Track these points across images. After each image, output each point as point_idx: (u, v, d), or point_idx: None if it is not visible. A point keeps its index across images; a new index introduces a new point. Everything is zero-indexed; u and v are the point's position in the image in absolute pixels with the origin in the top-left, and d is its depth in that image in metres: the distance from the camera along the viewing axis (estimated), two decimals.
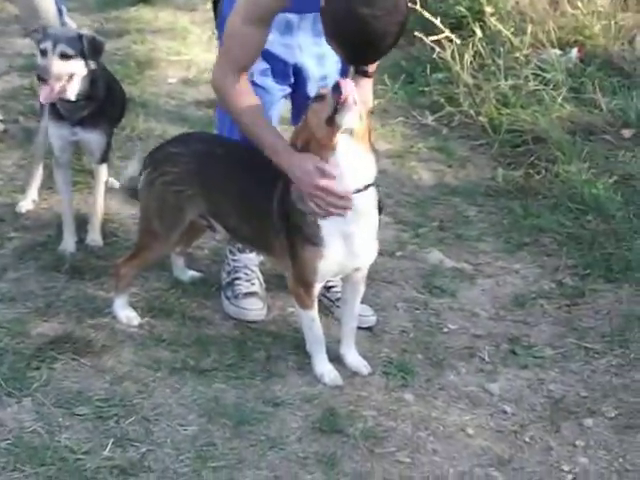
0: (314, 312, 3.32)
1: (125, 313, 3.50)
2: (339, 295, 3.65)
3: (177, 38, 6.60)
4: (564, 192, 4.75)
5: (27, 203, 4.22)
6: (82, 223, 4.06)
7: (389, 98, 5.84)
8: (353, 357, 3.43)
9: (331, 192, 3.06)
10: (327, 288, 3.73)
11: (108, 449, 2.89)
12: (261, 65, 3.40)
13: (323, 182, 3.06)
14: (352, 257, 3.23)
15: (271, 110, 3.47)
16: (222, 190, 3.38)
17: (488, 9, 6.20)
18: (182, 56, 6.30)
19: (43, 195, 4.34)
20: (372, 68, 3.47)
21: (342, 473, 2.91)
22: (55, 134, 3.81)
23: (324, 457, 2.97)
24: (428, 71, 5.95)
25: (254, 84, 3.35)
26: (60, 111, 3.76)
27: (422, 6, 5.78)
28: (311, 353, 3.37)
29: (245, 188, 3.33)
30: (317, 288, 3.28)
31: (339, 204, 3.08)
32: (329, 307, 3.74)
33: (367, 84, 3.47)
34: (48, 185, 4.40)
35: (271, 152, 3.17)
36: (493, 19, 6.18)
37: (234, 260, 3.75)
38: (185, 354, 3.37)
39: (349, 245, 3.19)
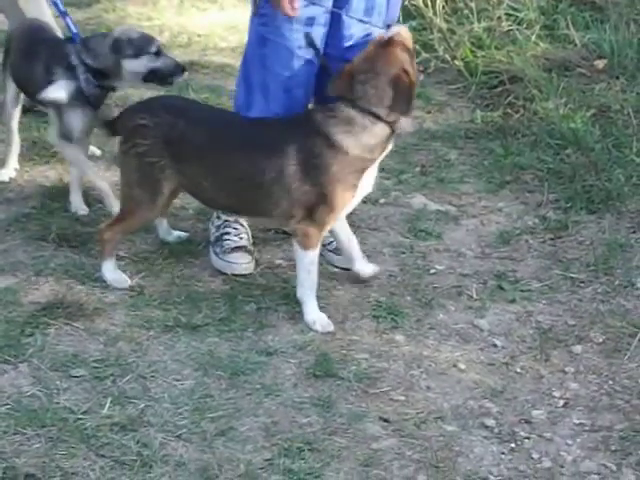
0: (317, 252, 3.38)
1: (114, 277, 3.53)
2: (330, 240, 3.75)
3: (147, 4, 6.57)
4: (543, 129, 4.79)
5: (9, 171, 4.23)
6: (65, 192, 4.08)
7: None
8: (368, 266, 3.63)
9: None
10: None
11: (107, 407, 2.92)
12: None
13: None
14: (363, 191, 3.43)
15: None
16: (200, 163, 3.39)
17: None
18: (154, 21, 6.28)
19: (25, 167, 4.34)
20: None
21: (338, 414, 2.96)
22: (82, 119, 3.85)
23: (319, 400, 3.02)
24: (401, 19, 5.92)
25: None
26: (90, 99, 3.82)
27: None
28: (303, 300, 3.41)
29: (240, 157, 3.35)
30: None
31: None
32: (321, 252, 3.78)
33: None
34: (29, 157, 4.41)
35: None
36: None
37: (225, 214, 3.79)
38: (177, 312, 3.40)
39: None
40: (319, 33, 3.48)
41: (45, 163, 4.40)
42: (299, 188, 3.29)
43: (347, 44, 3.53)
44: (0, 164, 4.27)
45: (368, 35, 3.53)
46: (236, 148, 3.38)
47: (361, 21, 3.49)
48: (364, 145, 3.29)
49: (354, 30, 3.52)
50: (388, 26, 3.59)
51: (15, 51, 4.08)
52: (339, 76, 3.34)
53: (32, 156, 4.44)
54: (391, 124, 3.31)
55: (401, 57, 3.31)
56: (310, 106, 3.67)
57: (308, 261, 3.37)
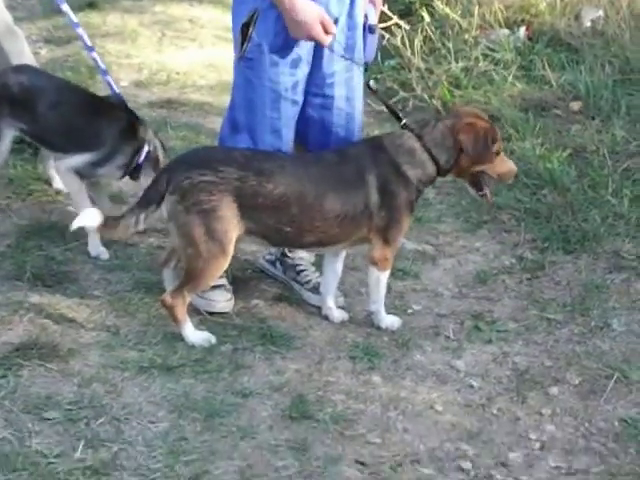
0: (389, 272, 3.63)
1: (198, 338, 3.43)
2: (308, 278, 3.78)
3: (126, 41, 6.58)
4: (520, 168, 4.77)
5: None
6: (45, 229, 4.05)
7: None
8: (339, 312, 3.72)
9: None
10: (297, 272, 3.81)
11: (80, 451, 2.89)
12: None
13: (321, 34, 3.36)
14: None
15: None
16: (283, 212, 3.38)
17: None
18: (133, 59, 6.28)
19: (3, 210, 4.31)
20: None
21: (314, 457, 2.94)
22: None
23: (295, 443, 2.99)
24: (380, 58, 5.98)
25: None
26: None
27: None
28: (379, 311, 3.62)
29: (330, 197, 3.41)
30: None
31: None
32: (299, 290, 3.80)
33: None
34: (5, 195, 4.38)
35: None
36: (440, 3, 6.24)
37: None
38: (152, 352, 3.38)
39: None
40: (304, 73, 3.51)
41: (21, 201, 4.38)
42: (378, 214, 3.44)
43: (329, 81, 3.57)
44: None
45: (350, 72, 3.56)
46: (323, 189, 3.42)
47: (343, 57, 3.52)
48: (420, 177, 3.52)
49: (336, 67, 3.56)
50: (366, 64, 3.64)
51: (50, 103, 4.05)
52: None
53: (8, 194, 4.41)
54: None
55: (480, 131, 3.51)
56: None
57: (383, 280, 3.60)
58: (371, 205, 3.46)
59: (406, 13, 6.42)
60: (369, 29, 3.63)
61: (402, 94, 5.71)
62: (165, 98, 5.66)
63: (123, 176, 4.08)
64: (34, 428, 2.97)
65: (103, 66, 4.13)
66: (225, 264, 3.41)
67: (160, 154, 4.06)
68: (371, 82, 3.68)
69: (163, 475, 2.83)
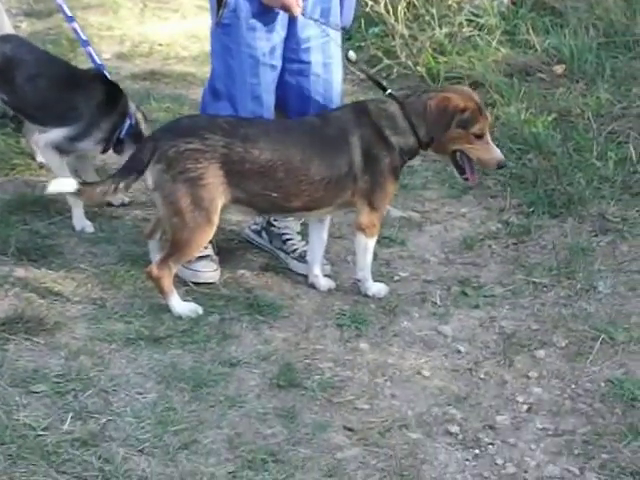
0: (375, 239, 3.62)
1: (184, 308, 3.42)
2: (294, 247, 3.78)
3: (108, 13, 6.52)
4: (505, 134, 4.80)
5: None
6: (29, 204, 4.04)
7: None
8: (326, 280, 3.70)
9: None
10: (284, 242, 3.81)
11: (68, 423, 2.89)
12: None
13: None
14: None
15: None
16: (270, 177, 3.37)
17: None
18: (115, 31, 6.24)
19: None
20: None
21: (302, 424, 2.95)
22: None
23: (283, 411, 3.00)
24: (363, 26, 5.94)
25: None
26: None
27: None
28: (365, 279, 3.61)
29: (316, 161, 3.41)
30: None
31: None
32: (285, 259, 3.80)
33: None
34: None
35: None
36: None
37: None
38: (139, 324, 3.37)
39: None
40: (280, 37, 3.49)
41: (4, 175, 4.35)
42: (362, 177, 3.44)
43: (304, 46, 3.55)
44: None
45: (326, 36, 3.54)
46: (308, 153, 3.41)
47: (317, 21, 3.50)
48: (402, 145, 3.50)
49: (311, 32, 3.54)
50: (343, 29, 3.62)
51: (28, 75, 4.01)
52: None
53: None
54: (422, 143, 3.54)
55: (449, 104, 3.45)
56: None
57: (371, 246, 3.59)
58: (355, 167, 3.45)
59: None
60: None
61: (386, 61, 5.68)
62: (148, 70, 5.63)
63: (105, 150, 4.05)
64: (22, 401, 2.97)
65: (84, 37, 4.09)
66: (211, 233, 3.40)
67: (143, 127, 4.03)
68: (350, 53, 3.66)
69: (152, 445, 2.83)
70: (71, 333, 3.32)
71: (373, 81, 3.69)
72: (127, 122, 3.98)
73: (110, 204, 4.11)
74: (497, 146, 4.62)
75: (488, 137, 3.56)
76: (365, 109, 3.52)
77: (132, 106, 4.05)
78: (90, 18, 6.35)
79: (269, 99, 3.57)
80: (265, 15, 3.42)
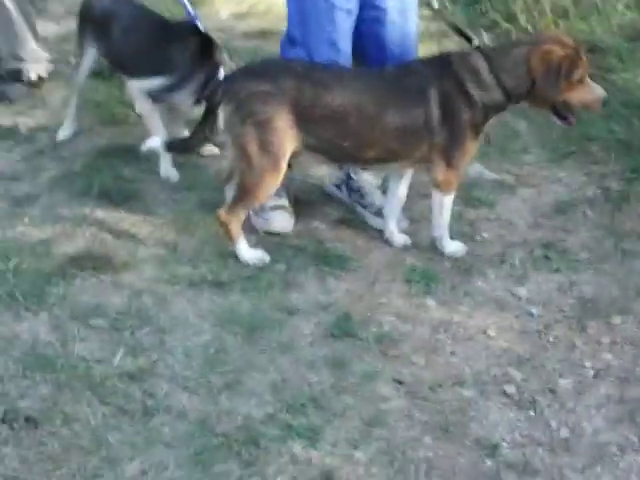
0: (453, 196, 3.48)
1: (251, 255, 3.40)
2: (372, 201, 3.72)
3: None
4: (618, 99, 4.53)
5: (65, 131, 4.29)
6: (121, 151, 4.10)
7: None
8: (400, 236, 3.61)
9: None
10: (362, 195, 3.75)
11: (119, 358, 2.91)
12: None
13: None
14: None
15: None
16: (342, 124, 3.29)
17: None
18: None
19: (84, 129, 4.38)
20: None
21: (350, 373, 2.88)
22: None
23: (334, 359, 2.93)
24: None
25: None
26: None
27: None
28: (443, 236, 3.50)
29: (390, 110, 3.30)
30: None
31: None
32: (362, 213, 3.73)
33: None
34: (89, 119, 4.44)
35: None
36: None
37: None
38: (205, 269, 3.36)
39: None
40: None
41: (104, 125, 4.43)
42: (439, 131, 3.31)
43: None
44: (60, 124, 4.33)
45: None
46: (383, 101, 3.32)
47: None
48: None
49: None
50: None
51: (124, 27, 4.07)
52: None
53: (94, 117, 4.47)
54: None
55: (554, 60, 3.27)
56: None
57: (447, 204, 3.46)
58: (432, 120, 3.31)
59: None
60: None
61: (505, 25, 5.47)
62: (260, 28, 5.62)
63: (198, 102, 4.06)
64: (79, 334, 3.02)
65: None
66: (279, 179, 3.34)
67: None
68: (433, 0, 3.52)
69: (196, 383, 2.82)
70: (138, 273, 3.34)
71: (460, 33, 3.53)
72: (221, 72, 3.98)
73: (201, 155, 4.12)
74: (608, 113, 4.46)
75: (587, 77, 3.37)
76: (448, 61, 3.38)
77: (225, 57, 4.05)
78: None
79: (346, 46, 3.47)
80: None
